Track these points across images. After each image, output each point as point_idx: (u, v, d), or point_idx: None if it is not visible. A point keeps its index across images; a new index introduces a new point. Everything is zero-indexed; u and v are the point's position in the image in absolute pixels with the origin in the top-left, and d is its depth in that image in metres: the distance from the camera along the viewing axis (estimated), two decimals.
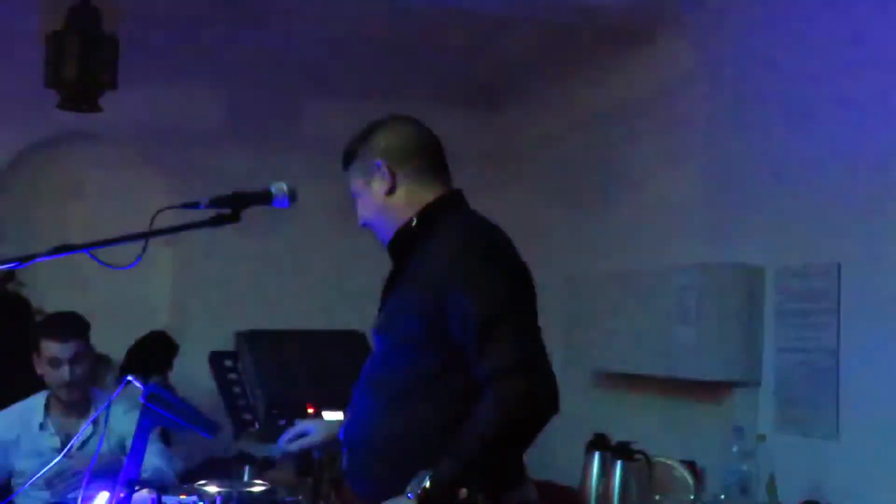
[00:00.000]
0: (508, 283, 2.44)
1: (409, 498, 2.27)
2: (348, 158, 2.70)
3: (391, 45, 6.04)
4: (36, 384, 4.03)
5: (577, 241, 6.24)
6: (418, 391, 2.48)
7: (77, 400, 3.91)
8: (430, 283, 2.44)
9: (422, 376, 2.48)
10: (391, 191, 2.60)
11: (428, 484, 2.27)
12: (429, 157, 2.66)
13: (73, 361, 3.85)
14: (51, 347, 3.86)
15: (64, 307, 4.50)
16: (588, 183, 6.17)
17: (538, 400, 2.35)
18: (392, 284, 2.61)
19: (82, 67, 5.07)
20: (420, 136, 2.70)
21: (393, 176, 2.60)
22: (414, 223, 2.57)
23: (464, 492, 2.27)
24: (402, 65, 6.34)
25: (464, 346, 2.38)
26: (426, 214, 2.58)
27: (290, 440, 2.92)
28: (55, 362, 3.85)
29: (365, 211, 2.66)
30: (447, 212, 2.60)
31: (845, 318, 4.19)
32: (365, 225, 2.69)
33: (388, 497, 2.34)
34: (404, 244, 2.58)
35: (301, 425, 2.99)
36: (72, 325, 3.96)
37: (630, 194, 5.74)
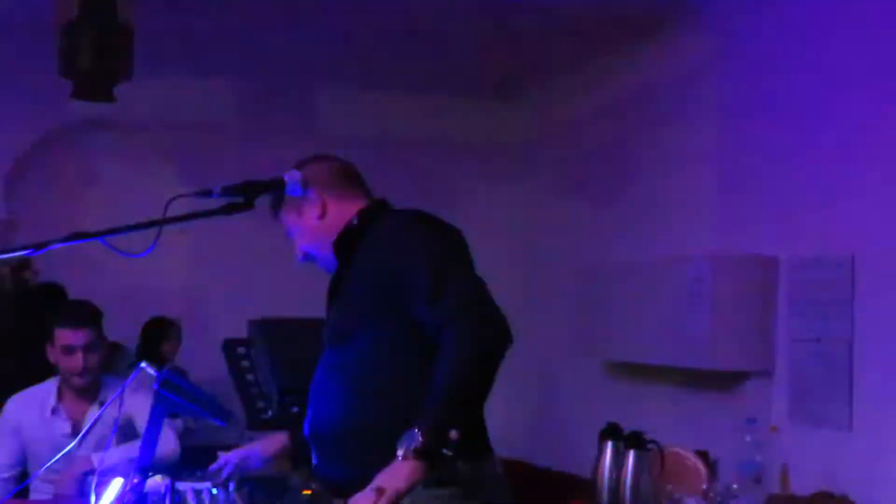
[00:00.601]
0: (448, 242, 2.59)
1: (402, 459, 2.25)
2: (277, 202, 2.82)
3: (407, 35, 6.02)
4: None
5: (591, 231, 6.24)
6: (378, 369, 2.58)
7: (88, 387, 3.93)
8: (377, 261, 2.58)
9: (380, 354, 2.57)
10: (323, 214, 2.74)
11: (421, 438, 2.26)
12: (350, 178, 2.82)
13: (86, 349, 3.87)
14: (64, 335, 3.88)
15: (78, 295, 4.52)
16: (603, 173, 6.16)
17: (494, 330, 2.41)
18: (339, 284, 2.73)
19: (97, 57, 5.07)
20: (338, 163, 2.86)
21: (322, 200, 2.73)
22: (355, 221, 2.72)
23: (454, 433, 2.28)
24: (418, 55, 6.33)
25: (416, 305, 2.48)
26: (365, 215, 2.73)
27: (229, 472, 2.96)
28: (68, 350, 3.87)
29: (302, 242, 2.79)
30: (380, 213, 2.75)
31: (859, 308, 4.19)
32: (305, 258, 2.81)
33: (364, 478, 2.31)
34: (349, 242, 2.71)
35: (241, 453, 3.05)
36: (85, 314, 3.98)
37: (644, 184, 5.74)
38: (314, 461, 2.71)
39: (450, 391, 2.33)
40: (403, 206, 2.78)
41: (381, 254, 2.58)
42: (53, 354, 3.93)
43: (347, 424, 2.57)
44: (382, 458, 2.32)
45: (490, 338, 2.39)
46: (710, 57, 5.23)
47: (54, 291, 5.97)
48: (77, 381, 3.90)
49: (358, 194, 2.79)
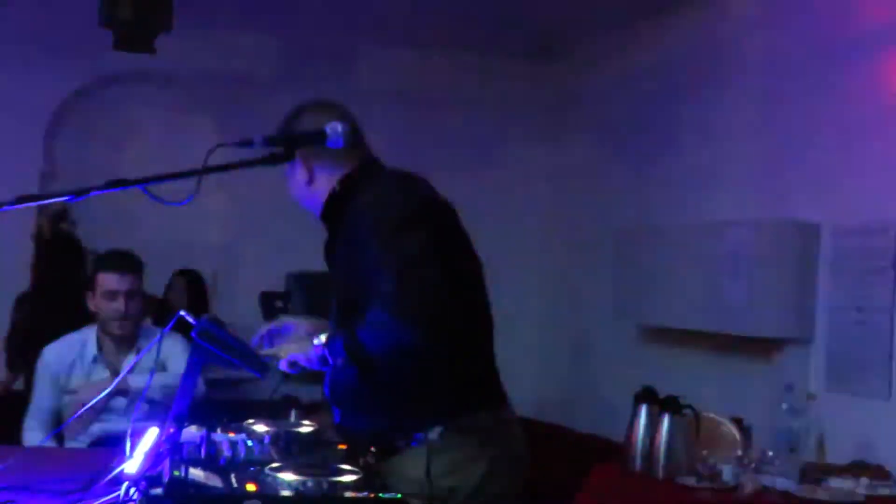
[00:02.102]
0: (420, 239, 2.46)
1: (315, 343, 2.50)
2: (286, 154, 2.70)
3: None
4: (85, 322, 4.07)
5: (629, 194, 6.20)
6: None
7: (128, 334, 3.95)
8: (356, 243, 2.53)
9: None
10: (310, 181, 2.67)
11: (321, 348, 2.48)
12: (348, 136, 2.64)
13: (128, 295, 3.90)
14: (108, 280, 3.91)
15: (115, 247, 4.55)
16: (644, 135, 6.10)
17: (416, 335, 2.36)
18: (331, 254, 2.72)
19: (138, 8, 5.08)
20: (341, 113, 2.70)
21: (309, 169, 2.66)
22: (337, 189, 2.65)
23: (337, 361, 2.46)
24: (460, 14, 6.28)
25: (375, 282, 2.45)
26: (347, 183, 2.66)
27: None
28: (111, 295, 3.89)
29: (294, 193, 2.75)
30: (364, 179, 2.66)
31: None
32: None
33: (385, 427, 2.53)
34: (333, 210, 2.67)
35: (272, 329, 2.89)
36: (129, 261, 4.02)
37: (686, 147, 5.68)
38: (336, 420, 2.72)
39: (358, 354, 2.40)
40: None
41: (360, 237, 2.52)
42: (94, 301, 3.94)
43: (364, 380, 2.56)
44: (399, 406, 2.52)
45: (407, 341, 2.36)
46: (755, 20, 5.15)
47: (73, 244, 6.02)
48: (117, 326, 3.91)
49: (348, 157, 2.67)
